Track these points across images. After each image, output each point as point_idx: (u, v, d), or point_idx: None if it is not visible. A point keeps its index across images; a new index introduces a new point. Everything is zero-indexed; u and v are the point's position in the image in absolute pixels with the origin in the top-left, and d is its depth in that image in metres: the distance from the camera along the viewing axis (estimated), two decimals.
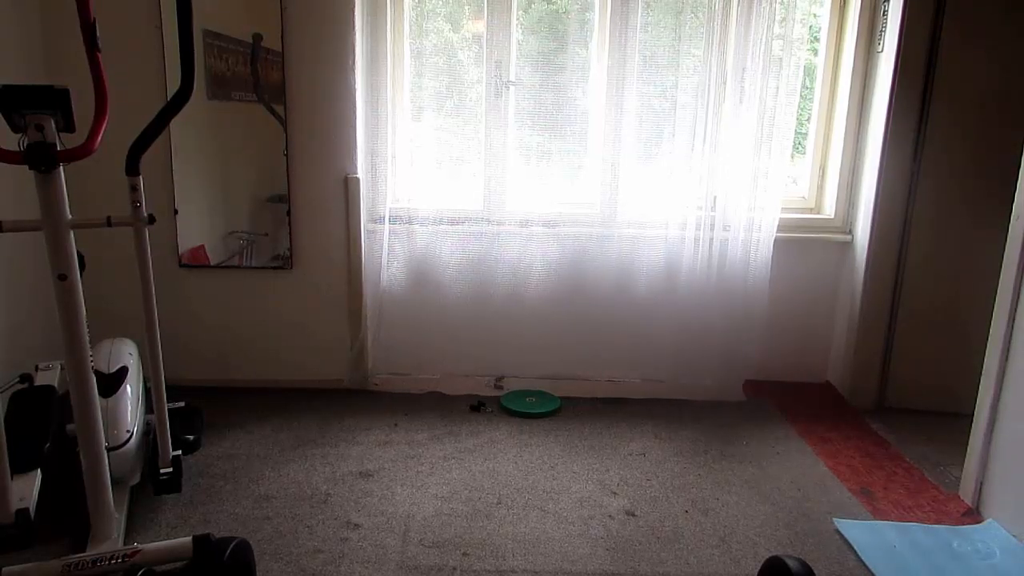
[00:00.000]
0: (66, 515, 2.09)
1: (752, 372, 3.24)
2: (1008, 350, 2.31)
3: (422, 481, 2.46)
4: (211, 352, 3.13)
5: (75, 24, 1.70)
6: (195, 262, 3.05)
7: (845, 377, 3.26)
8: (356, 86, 2.89)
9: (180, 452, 2.23)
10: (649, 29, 2.96)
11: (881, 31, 3.00)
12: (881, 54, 3.01)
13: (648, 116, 3.02)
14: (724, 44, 2.92)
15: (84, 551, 1.81)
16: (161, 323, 2.11)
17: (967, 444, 2.46)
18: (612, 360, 3.24)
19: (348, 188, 2.98)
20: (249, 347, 3.15)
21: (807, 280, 3.30)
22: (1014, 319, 2.28)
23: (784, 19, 2.92)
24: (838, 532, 2.24)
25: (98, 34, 1.73)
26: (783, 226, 3.12)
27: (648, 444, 2.79)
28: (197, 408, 2.75)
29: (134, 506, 2.19)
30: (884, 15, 2.99)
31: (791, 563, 1.78)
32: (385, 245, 3.07)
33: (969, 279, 2.96)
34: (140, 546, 1.81)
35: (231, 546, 1.81)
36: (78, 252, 1.74)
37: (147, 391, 2.37)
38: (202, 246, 3.05)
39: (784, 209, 3.17)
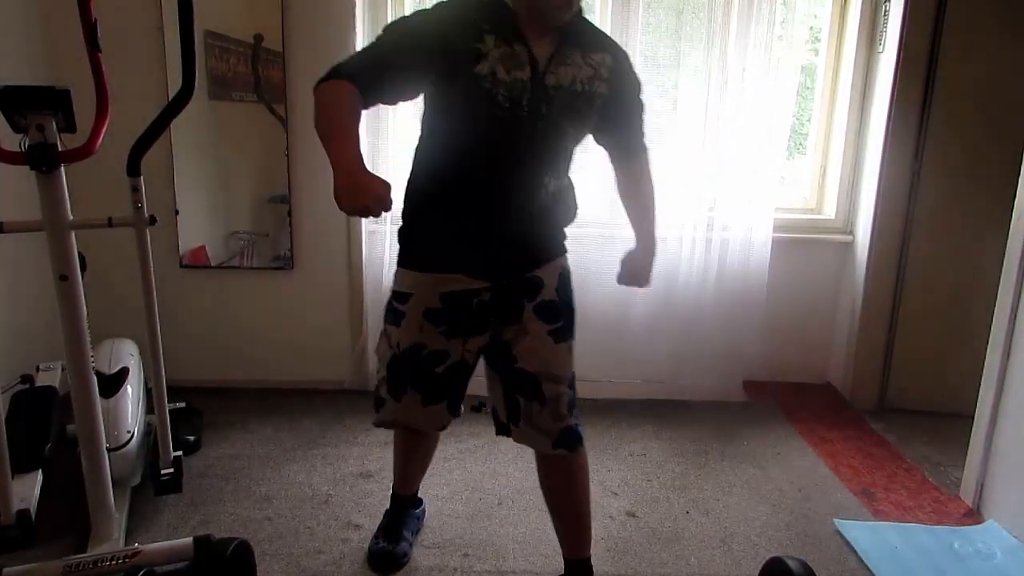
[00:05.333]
0: (67, 516, 2.09)
1: (753, 373, 3.24)
2: (1009, 350, 2.31)
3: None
4: (212, 353, 3.13)
5: (76, 24, 1.70)
6: (196, 263, 3.05)
7: (846, 377, 3.26)
8: None
9: (181, 453, 2.23)
10: (650, 30, 2.96)
11: (882, 31, 3.00)
12: (882, 54, 3.01)
13: (648, 116, 3.02)
14: (725, 44, 2.92)
15: (85, 552, 1.81)
16: (162, 324, 2.10)
17: (968, 445, 2.46)
18: (612, 360, 3.24)
19: None
20: (250, 348, 3.15)
21: (808, 281, 3.30)
22: (1015, 319, 2.28)
23: (785, 19, 2.92)
24: (839, 533, 2.24)
25: (99, 34, 1.73)
26: (784, 227, 3.12)
27: (649, 445, 2.79)
28: (198, 409, 2.76)
29: (135, 507, 2.19)
30: (885, 15, 2.99)
31: (792, 564, 1.78)
32: (387, 245, 3.06)
33: (970, 279, 2.96)
34: (141, 547, 1.81)
35: (232, 547, 1.81)
36: (79, 253, 1.74)
37: (148, 392, 2.37)
38: (203, 247, 3.05)
39: (785, 210, 3.16)
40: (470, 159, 1.60)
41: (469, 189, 1.62)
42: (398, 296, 1.73)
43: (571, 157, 1.72)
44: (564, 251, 1.80)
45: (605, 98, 1.65)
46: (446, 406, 1.79)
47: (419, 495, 2.23)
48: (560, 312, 1.73)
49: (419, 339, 1.70)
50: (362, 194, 1.31)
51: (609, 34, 1.75)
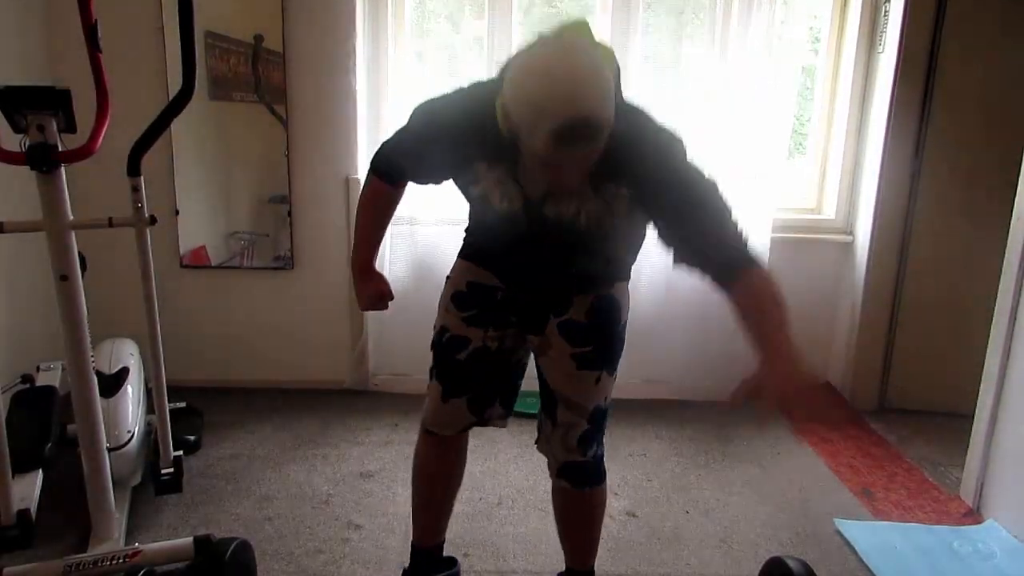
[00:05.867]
0: (67, 516, 2.09)
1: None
2: (1009, 350, 2.31)
3: None
4: (212, 353, 3.13)
5: (76, 24, 1.70)
6: (196, 263, 3.05)
7: (846, 378, 3.26)
8: (357, 87, 2.89)
9: (181, 452, 2.23)
10: (650, 31, 2.96)
11: (882, 32, 3.00)
12: (882, 54, 3.00)
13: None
14: (725, 45, 2.92)
15: (85, 551, 1.81)
16: (162, 324, 2.11)
17: (968, 444, 2.46)
18: None
19: (349, 189, 2.98)
20: (250, 348, 3.15)
21: (808, 281, 3.29)
22: (1015, 319, 2.28)
23: (785, 20, 2.92)
24: (839, 533, 2.24)
25: (99, 35, 1.73)
26: (784, 227, 3.12)
27: (649, 444, 2.79)
28: (198, 409, 2.76)
29: (135, 506, 2.19)
30: (885, 16, 2.99)
31: (792, 564, 1.78)
32: (387, 246, 3.06)
33: (970, 279, 2.95)
34: (141, 547, 1.81)
35: (232, 547, 1.81)
36: (79, 253, 1.74)
37: (148, 391, 2.37)
38: (203, 247, 3.05)
39: (785, 210, 3.15)
40: (489, 232, 1.60)
41: (491, 250, 1.64)
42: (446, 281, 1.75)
43: (608, 254, 1.57)
44: (608, 283, 1.61)
45: (627, 227, 1.46)
46: (467, 403, 1.66)
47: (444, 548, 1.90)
48: (589, 337, 1.59)
49: (444, 321, 1.69)
50: (360, 301, 1.81)
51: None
